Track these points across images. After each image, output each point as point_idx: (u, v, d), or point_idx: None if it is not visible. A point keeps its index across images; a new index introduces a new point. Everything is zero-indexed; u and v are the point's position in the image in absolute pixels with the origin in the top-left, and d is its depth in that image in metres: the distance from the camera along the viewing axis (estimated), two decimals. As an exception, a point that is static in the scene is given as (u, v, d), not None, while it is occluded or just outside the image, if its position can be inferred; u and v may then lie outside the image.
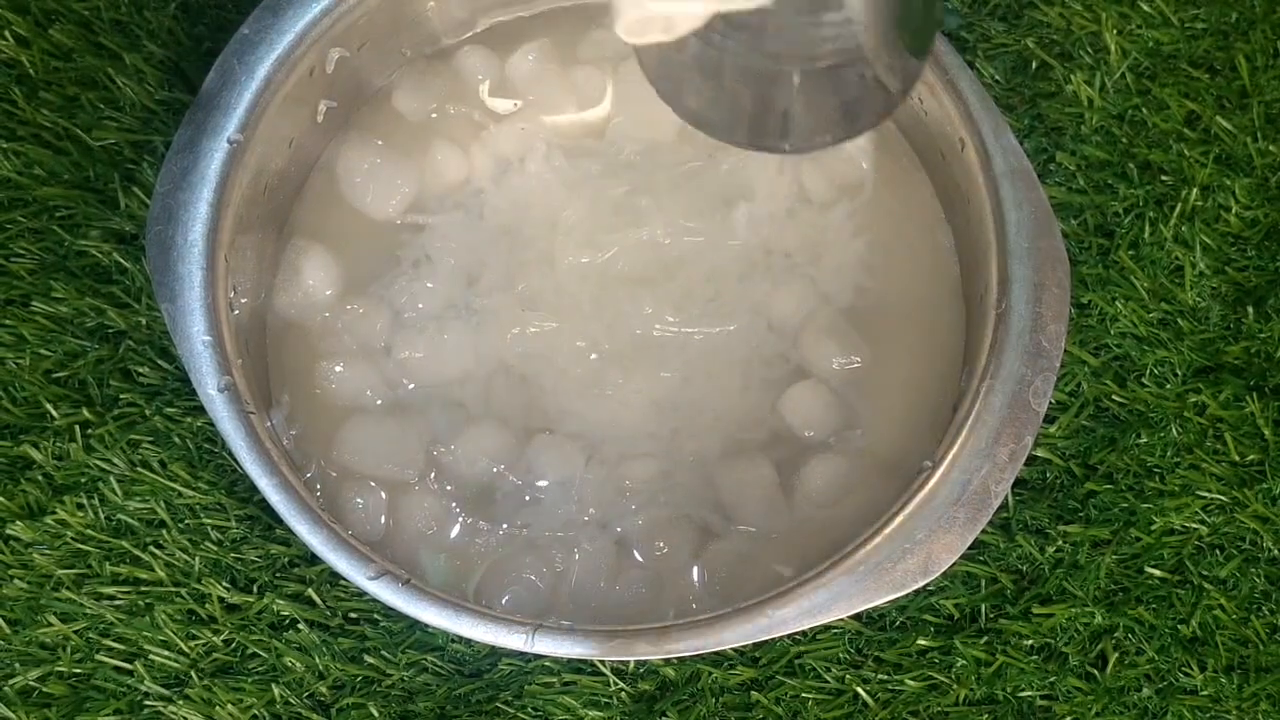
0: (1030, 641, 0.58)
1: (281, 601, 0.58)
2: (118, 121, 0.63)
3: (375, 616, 0.58)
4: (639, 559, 0.56)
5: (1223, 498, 0.59)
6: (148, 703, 0.57)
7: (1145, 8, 0.66)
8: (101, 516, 0.59)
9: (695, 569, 0.56)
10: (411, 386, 0.58)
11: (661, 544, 0.56)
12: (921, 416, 0.58)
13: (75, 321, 0.61)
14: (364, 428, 0.57)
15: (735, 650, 0.57)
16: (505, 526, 0.57)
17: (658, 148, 0.61)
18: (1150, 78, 0.65)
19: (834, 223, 0.61)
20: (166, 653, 0.57)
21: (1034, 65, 0.65)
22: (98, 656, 0.57)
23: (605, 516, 0.57)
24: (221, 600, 0.58)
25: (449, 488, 0.57)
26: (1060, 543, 0.59)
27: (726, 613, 0.51)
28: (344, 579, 0.51)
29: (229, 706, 0.56)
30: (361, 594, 0.54)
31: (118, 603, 0.58)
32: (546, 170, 0.61)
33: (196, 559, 0.58)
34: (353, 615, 0.58)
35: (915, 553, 0.51)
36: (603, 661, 0.57)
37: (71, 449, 0.59)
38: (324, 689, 0.57)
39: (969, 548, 0.51)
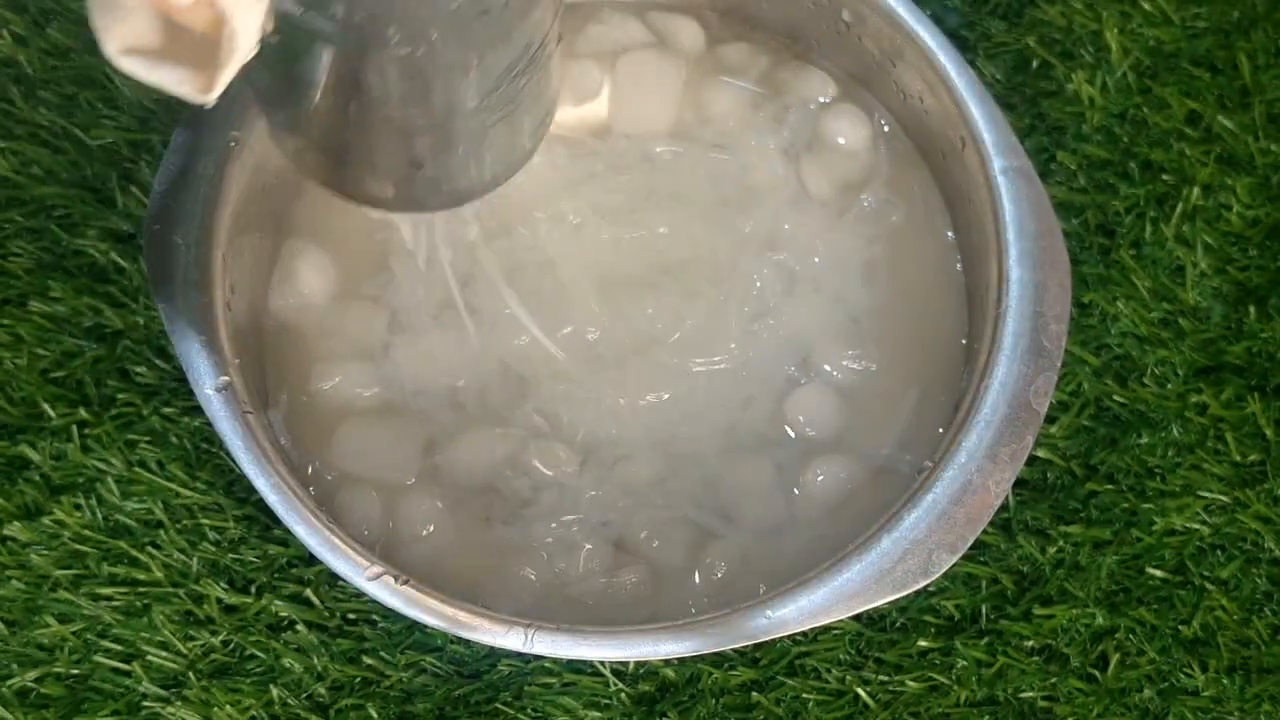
0: (1031, 642, 0.58)
1: (280, 602, 0.57)
2: (115, 120, 0.63)
3: (373, 617, 0.58)
4: (637, 560, 0.56)
5: (1224, 498, 0.59)
6: (145, 703, 0.57)
7: (1146, 6, 0.65)
8: (99, 517, 0.58)
9: (695, 569, 0.56)
10: (409, 388, 0.58)
11: (661, 545, 0.56)
12: (922, 416, 0.57)
13: (72, 321, 0.61)
14: (361, 429, 0.57)
15: (735, 651, 0.57)
16: (503, 528, 0.57)
17: (658, 146, 0.61)
18: (1151, 76, 0.65)
19: (836, 222, 0.61)
20: (164, 653, 0.57)
21: (1035, 64, 0.65)
22: (95, 657, 0.57)
23: (604, 517, 0.57)
24: (219, 601, 0.58)
25: (446, 489, 0.57)
26: (1061, 543, 0.59)
27: (726, 613, 0.50)
28: (342, 580, 0.51)
29: (227, 708, 0.56)
30: (360, 595, 0.54)
31: (115, 603, 0.58)
32: (547, 168, 0.61)
33: (194, 559, 0.58)
34: (351, 616, 0.58)
35: (915, 553, 0.51)
36: (602, 662, 0.57)
37: (69, 449, 0.59)
38: (322, 690, 0.57)
39: (969, 548, 0.51)
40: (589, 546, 0.56)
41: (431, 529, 0.56)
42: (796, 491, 0.57)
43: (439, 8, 0.36)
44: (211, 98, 0.35)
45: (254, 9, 0.33)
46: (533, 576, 0.56)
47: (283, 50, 0.38)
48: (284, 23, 0.36)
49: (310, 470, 0.57)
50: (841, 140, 0.62)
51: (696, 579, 0.56)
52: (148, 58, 0.35)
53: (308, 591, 0.58)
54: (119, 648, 0.57)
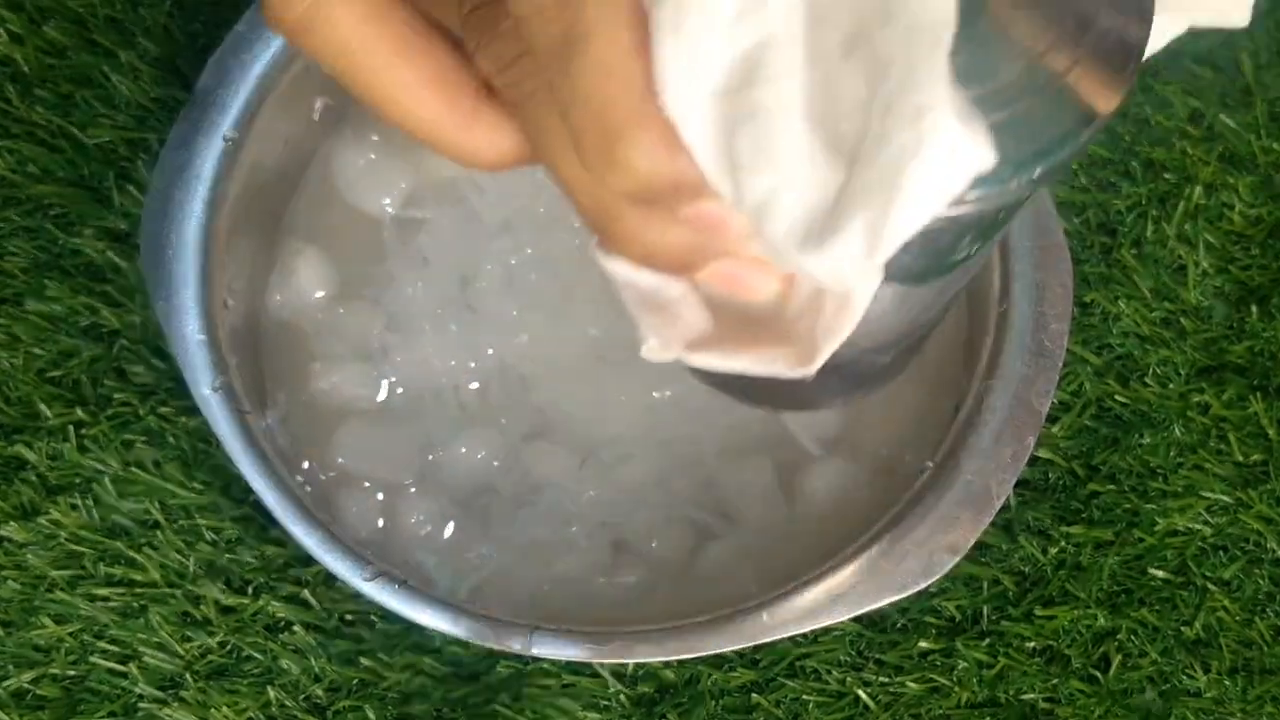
0: (1032, 643, 0.58)
1: (277, 603, 0.57)
2: (112, 119, 0.63)
3: (371, 618, 0.57)
4: (636, 560, 0.56)
5: (1226, 498, 0.59)
6: (142, 705, 0.57)
7: (1148, 4, 0.65)
8: (95, 517, 0.58)
9: (694, 570, 0.56)
10: (407, 387, 0.58)
11: (660, 545, 0.56)
12: (923, 417, 0.57)
13: (69, 320, 0.60)
14: (359, 429, 0.57)
15: (735, 652, 0.57)
16: (501, 528, 0.56)
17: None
18: (1153, 74, 0.64)
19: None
20: (161, 655, 0.57)
21: (1036, 62, 0.65)
22: (92, 658, 0.57)
23: (604, 517, 0.56)
24: (216, 602, 0.57)
25: (445, 490, 0.57)
26: (1063, 544, 0.58)
27: (726, 615, 0.50)
28: (340, 580, 0.51)
29: (224, 709, 0.56)
30: (357, 596, 0.54)
31: (112, 604, 0.57)
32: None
33: (191, 560, 0.58)
34: (349, 617, 0.57)
35: (917, 554, 0.51)
36: (601, 664, 0.57)
37: (65, 449, 0.59)
38: (320, 691, 0.57)
39: (971, 549, 0.51)
40: (588, 546, 0.56)
41: (430, 529, 0.56)
42: (796, 492, 0.57)
43: (1019, 202, 0.31)
44: (813, 370, 0.32)
45: (875, 273, 0.28)
46: (531, 577, 0.56)
47: None
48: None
49: (308, 470, 0.56)
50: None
51: (695, 579, 0.56)
52: (719, 346, 0.33)
53: (305, 592, 0.57)
54: (116, 649, 0.57)
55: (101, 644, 0.57)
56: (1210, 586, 0.58)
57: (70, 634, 0.57)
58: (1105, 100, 0.27)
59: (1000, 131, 0.24)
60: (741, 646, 0.50)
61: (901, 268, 0.31)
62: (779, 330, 0.32)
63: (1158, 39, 0.30)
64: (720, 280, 0.29)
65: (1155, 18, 0.29)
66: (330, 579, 0.57)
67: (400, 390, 0.58)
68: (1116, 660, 0.57)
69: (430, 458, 0.57)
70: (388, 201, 0.60)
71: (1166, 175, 0.63)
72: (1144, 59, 0.29)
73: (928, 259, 0.32)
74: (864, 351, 0.38)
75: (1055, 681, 0.57)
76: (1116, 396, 0.60)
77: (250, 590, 0.58)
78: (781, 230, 0.24)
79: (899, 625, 0.58)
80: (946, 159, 0.22)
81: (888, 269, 0.28)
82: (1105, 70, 0.27)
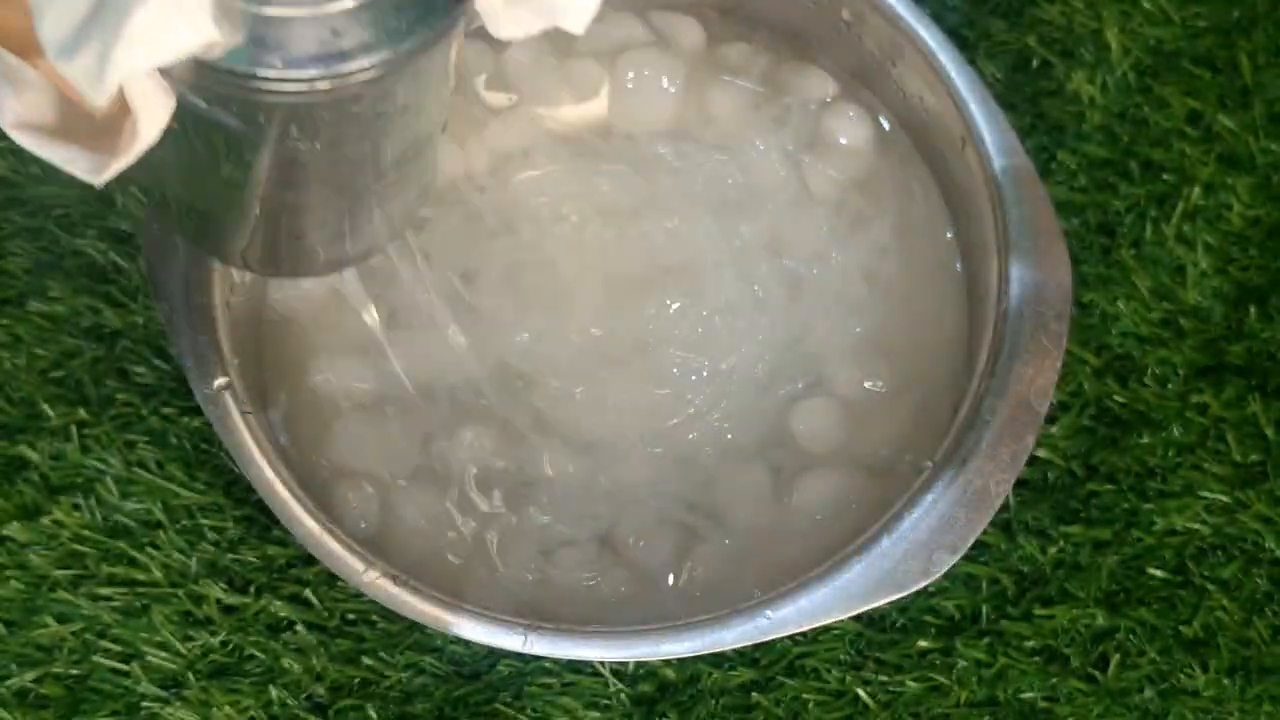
0: (1031, 643, 0.58)
1: (279, 603, 0.57)
2: (114, 120, 0.63)
3: (372, 618, 0.57)
4: (624, 560, 0.56)
5: (1224, 498, 0.59)
6: (144, 704, 0.57)
7: (1146, 5, 0.65)
8: (98, 517, 0.58)
9: (680, 572, 0.56)
10: (407, 382, 0.58)
11: (647, 546, 0.56)
12: (922, 416, 0.57)
13: (71, 321, 0.61)
14: (358, 426, 0.57)
15: (735, 651, 0.57)
16: (499, 524, 0.56)
17: (659, 146, 0.61)
18: (1152, 75, 0.65)
19: (837, 222, 0.61)
20: (163, 654, 0.57)
21: (1035, 63, 0.65)
22: (94, 658, 0.57)
23: (597, 516, 0.57)
24: (218, 601, 0.57)
25: (443, 485, 0.57)
26: (1062, 543, 0.59)
27: (726, 614, 0.50)
28: (341, 580, 0.51)
29: (226, 708, 0.56)
30: (359, 595, 0.54)
31: (114, 604, 0.57)
32: (548, 167, 0.61)
33: (193, 560, 0.58)
34: (350, 616, 0.57)
35: (916, 554, 0.51)
36: (602, 663, 0.57)
37: (67, 449, 0.59)
38: (322, 690, 0.57)
39: (970, 549, 0.51)
40: (581, 545, 0.56)
41: (427, 524, 0.56)
42: (795, 491, 0.57)
43: (341, 111, 0.36)
44: (101, 181, 0.35)
45: (163, 108, 0.33)
46: (529, 575, 0.56)
47: (180, 137, 0.37)
48: (185, 115, 0.35)
49: (308, 466, 0.57)
50: (843, 140, 0.61)
51: (683, 581, 0.56)
52: (42, 134, 0.35)
53: (307, 592, 0.57)
54: (118, 648, 0.57)
55: (104, 643, 0.57)
56: (1209, 586, 0.58)
57: (72, 633, 0.57)
58: (396, 31, 0.33)
59: (277, 26, 0.30)
60: (742, 645, 0.51)
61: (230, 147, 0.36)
62: (100, 138, 0.34)
63: (516, 29, 0.36)
64: (54, 75, 0.32)
65: (513, 10, 0.36)
66: (332, 578, 0.57)
67: (399, 388, 0.58)
68: (1115, 659, 0.58)
69: (428, 452, 0.57)
70: (389, 202, 0.60)
71: (1165, 176, 0.63)
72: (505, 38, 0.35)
73: (252, 132, 0.36)
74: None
75: (1054, 681, 0.57)
76: (1115, 396, 0.60)
77: (252, 590, 0.58)
78: (47, 35, 0.28)
79: (898, 624, 0.58)
80: (165, 17, 0.27)
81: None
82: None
